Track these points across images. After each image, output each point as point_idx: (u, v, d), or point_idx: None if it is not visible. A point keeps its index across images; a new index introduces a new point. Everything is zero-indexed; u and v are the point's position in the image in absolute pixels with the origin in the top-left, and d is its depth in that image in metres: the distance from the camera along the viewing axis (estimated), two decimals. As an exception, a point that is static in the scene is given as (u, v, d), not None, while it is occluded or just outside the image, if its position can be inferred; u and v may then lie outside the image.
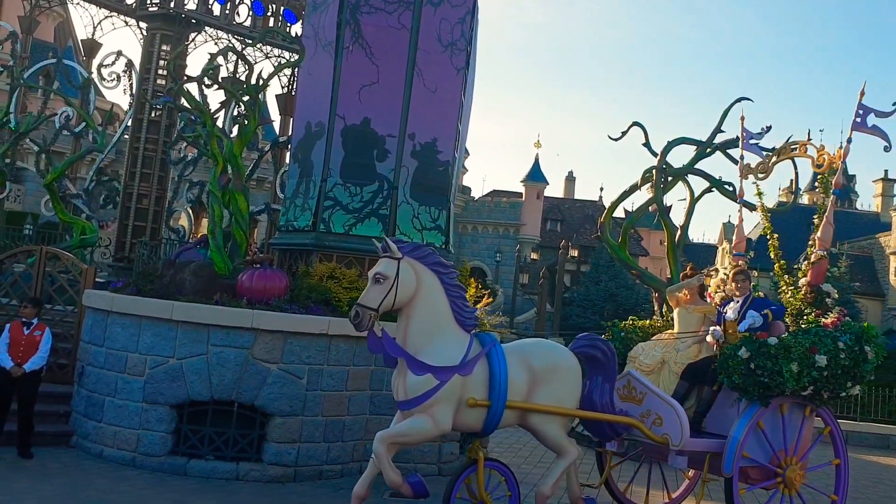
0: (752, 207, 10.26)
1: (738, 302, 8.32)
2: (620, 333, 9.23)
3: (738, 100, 11.21)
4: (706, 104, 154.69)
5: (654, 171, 11.87)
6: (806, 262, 8.83)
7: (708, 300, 8.92)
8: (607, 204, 12.92)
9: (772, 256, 9.48)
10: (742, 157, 10.05)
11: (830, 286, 8.55)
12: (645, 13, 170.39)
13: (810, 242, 8.95)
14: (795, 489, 8.04)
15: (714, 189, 11.72)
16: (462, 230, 53.21)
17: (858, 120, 8.83)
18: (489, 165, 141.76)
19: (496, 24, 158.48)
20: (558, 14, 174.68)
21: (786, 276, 9.16)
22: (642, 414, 7.93)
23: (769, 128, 10.19)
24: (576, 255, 48.51)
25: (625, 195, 12.36)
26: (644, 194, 12.43)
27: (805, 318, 8.45)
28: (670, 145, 12.07)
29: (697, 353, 8.34)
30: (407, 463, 9.31)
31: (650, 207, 12.24)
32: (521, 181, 56.40)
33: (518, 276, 49.51)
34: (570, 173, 71.81)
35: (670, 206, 13.00)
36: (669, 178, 11.93)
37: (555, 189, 66.38)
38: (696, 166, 11.82)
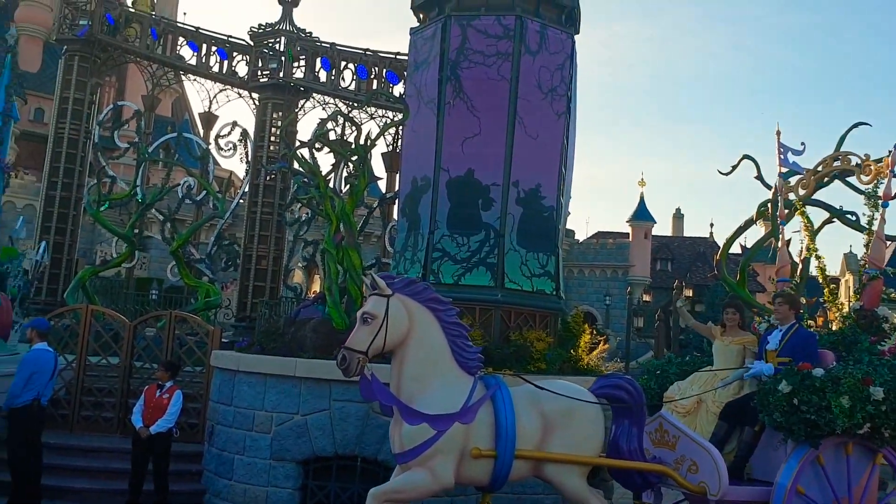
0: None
1: (781, 331, 7.49)
2: (656, 371, 8.45)
3: (856, 125, 10.74)
4: (818, 132, 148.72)
5: (769, 205, 11.48)
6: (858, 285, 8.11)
7: (751, 331, 8.10)
8: (719, 240, 12.59)
9: (819, 280, 8.87)
10: (780, 175, 9.42)
11: (887, 310, 7.71)
12: (746, 42, 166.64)
13: (862, 262, 8.25)
14: None
15: (835, 219, 11.21)
16: (568, 274, 52.66)
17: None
18: (591, 207, 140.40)
19: (593, 65, 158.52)
20: (655, 52, 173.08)
21: (837, 303, 8.47)
22: (676, 460, 7.15)
23: (803, 146, 9.42)
24: (690, 294, 47.07)
25: (740, 231, 11.97)
26: (759, 229, 12.04)
27: (859, 346, 7.52)
28: (784, 177, 11.67)
29: (738, 390, 7.51)
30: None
31: (766, 242, 11.81)
32: (627, 221, 55.55)
33: (631, 318, 48.43)
34: (678, 210, 70.18)
35: (789, 240, 12.51)
36: (786, 211, 11.50)
37: (662, 227, 64.99)
38: (814, 196, 11.35)
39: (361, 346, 6.21)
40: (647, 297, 49.36)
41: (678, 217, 69.30)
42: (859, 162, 8.51)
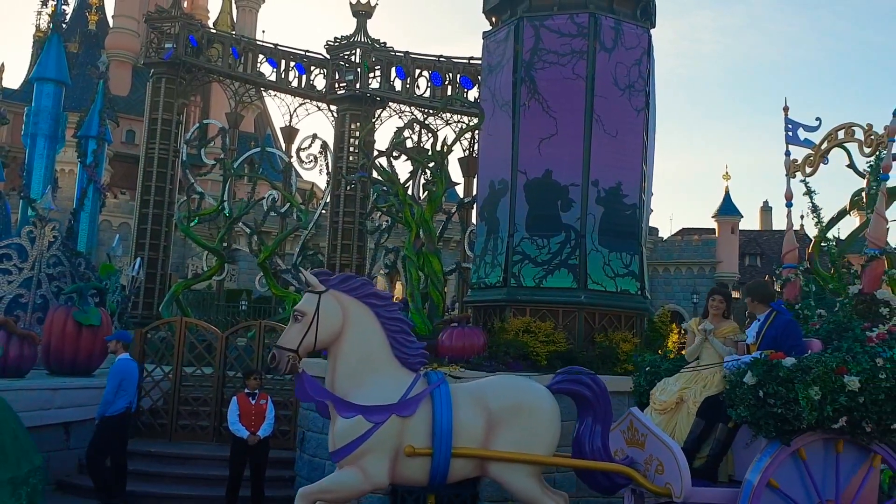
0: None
1: (759, 321, 6.84)
2: (646, 368, 7.85)
3: None
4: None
5: (863, 194, 11.00)
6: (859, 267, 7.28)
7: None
8: (809, 232, 12.11)
9: (829, 263, 8.16)
10: (788, 153, 8.71)
11: (889, 293, 6.86)
12: (828, 26, 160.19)
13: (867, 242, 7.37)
14: None
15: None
16: (653, 273, 51.62)
17: (791, 134, 7.66)
18: (675, 204, 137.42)
19: (669, 58, 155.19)
20: (732, 42, 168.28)
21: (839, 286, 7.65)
22: (646, 460, 6.63)
23: (819, 121, 8.54)
24: (779, 289, 45.46)
25: (833, 222, 11.51)
26: (853, 219, 11.55)
27: (850, 334, 6.70)
28: (878, 162, 11.17)
29: (716, 386, 6.87)
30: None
31: (861, 233, 11.32)
32: (713, 216, 54.03)
33: (718, 315, 47.05)
34: (766, 203, 67.91)
35: (886, 230, 11.93)
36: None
37: (750, 221, 62.98)
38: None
39: (291, 343, 6.06)
40: (736, 294, 47.94)
41: (766, 210, 67.06)
42: (862, 133, 7.75)
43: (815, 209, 8.55)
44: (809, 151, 8.45)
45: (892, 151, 7.19)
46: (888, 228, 7.33)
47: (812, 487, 6.17)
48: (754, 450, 6.36)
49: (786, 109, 8.68)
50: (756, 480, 6.08)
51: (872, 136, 7.42)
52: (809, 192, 8.45)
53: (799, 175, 8.54)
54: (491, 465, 6.26)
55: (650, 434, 6.58)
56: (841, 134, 7.91)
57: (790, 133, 8.59)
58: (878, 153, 7.30)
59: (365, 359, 6.17)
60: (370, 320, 6.25)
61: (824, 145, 8.32)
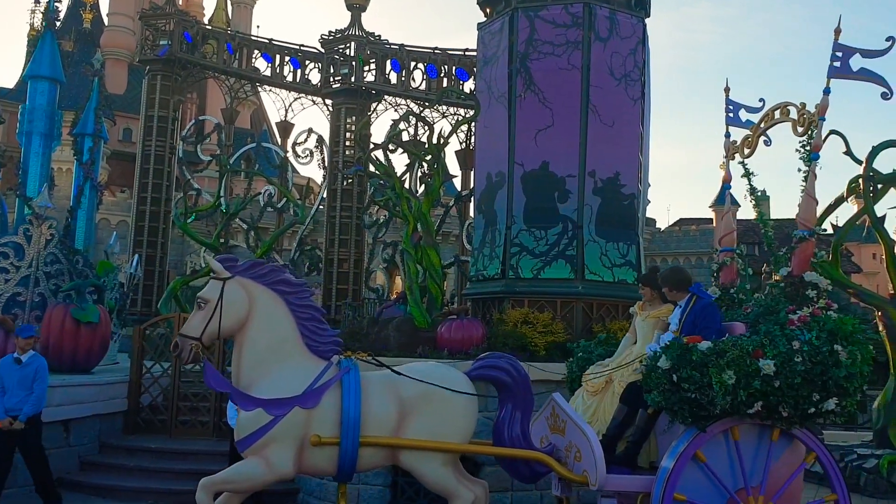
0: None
1: (680, 307, 6.62)
2: (579, 354, 7.72)
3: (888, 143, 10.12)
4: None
5: (860, 181, 11.00)
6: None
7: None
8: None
9: (766, 248, 7.90)
10: (728, 135, 8.46)
11: (816, 275, 6.59)
12: (824, 15, 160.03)
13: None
14: None
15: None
16: (650, 263, 51.66)
17: (838, 64, 6.97)
18: (671, 194, 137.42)
19: (665, 48, 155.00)
20: (729, 32, 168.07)
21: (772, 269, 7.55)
22: (567, 447, 6.42)
23: (762, 102, 8.25)
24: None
25: (831, 209, 11.50)
26: (851, 207, 11.56)
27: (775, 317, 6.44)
28: (876, 150, 11.15)
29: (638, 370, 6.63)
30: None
31: (859, 220, 11.33)
32: (710, 206, 54.13)
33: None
34: (763, 192, 68.07)
35: (884, 216, 11.91)
36: (879, 186, 11.00)
37: (748, 211, 62.95)
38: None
39: (194, 332, 5.89)
40: (734, 284, 47.92)
41: (763, 198, 67.21)
42: (796, 112, 7.45)
43: (752, 191, 8.31)
44: (748, 132, 8.21)
45: (823, 130, 7.06)
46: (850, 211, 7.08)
47: (739, 470, 5.96)
48: (673, 435, 6.21)
49: (727, 90, 8.48)
50: (671, 466, 5.88)
51: (805, 115, 7.16)
52: (747, 174, 8.15)
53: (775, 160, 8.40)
54: (402, 453, 6.11)
55: (569, 421, 6.41)
56: (778, 114, 7.63)
57: (731, 114, 8.37)
58: (809, 132, 7.12)
59: (272, 347, 5.99)
60: (278, 308, 6.06)
61: (763, 125, 8.05)
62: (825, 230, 7.35)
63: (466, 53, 18.66)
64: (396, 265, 16.67)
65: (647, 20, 12.18)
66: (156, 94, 21.12)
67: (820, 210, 10.12)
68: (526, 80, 11.52)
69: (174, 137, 21.29)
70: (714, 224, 53.17)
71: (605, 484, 6.03)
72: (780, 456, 6.03)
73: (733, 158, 8.32)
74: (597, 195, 11.45)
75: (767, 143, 8.01)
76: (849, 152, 11.47)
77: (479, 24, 12.74)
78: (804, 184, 6.86)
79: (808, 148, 6.98)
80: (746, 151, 8.12)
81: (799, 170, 6.87)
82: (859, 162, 11.29)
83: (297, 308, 6.10)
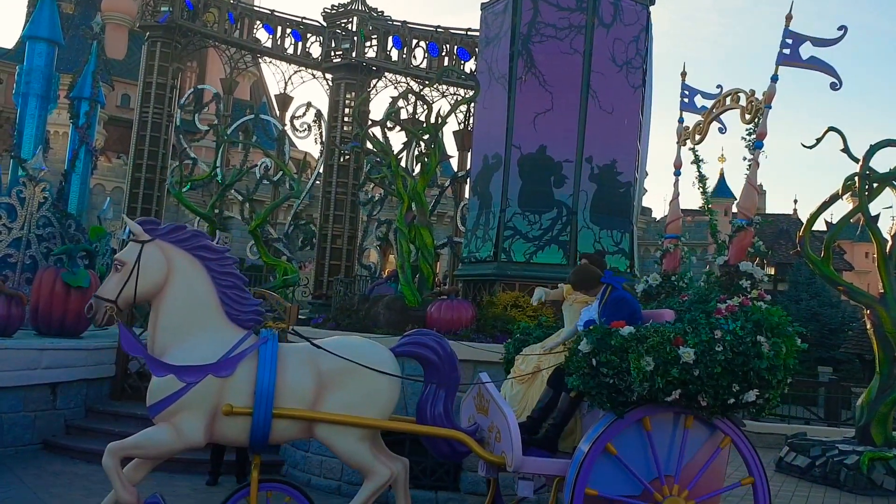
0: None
1: (598, 299, 6.61)
2: (516, 335, 7.64)
3: (886, 143, 10.11)
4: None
5: (856, 179, 11.03)
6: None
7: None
8: (803, 217, 12.14)
9: (711, 237, 7.75)
10: (681, 120, 8.35)
11: (751, 265, 6.49)
12: (828, 10, 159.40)
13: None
14: None
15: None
16: (645, 253, 51.59)
17: (787, 52, 6.82)
18: (669, 185, 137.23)
19: (669, 37, 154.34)
20: (731, 22, 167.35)
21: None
22: (490, 427, 6.39)
23: (719, 88, 8.00)
24: (772, 273, 45.68)
25: (825, 206, 11.56)
26: (845, 204, 11.58)
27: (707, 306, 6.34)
28: (873, 149, 11.20)
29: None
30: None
31: (853, 218, 11.37)
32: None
33: (709, 297, 47.25)
34: (760, 186, 68.09)
35: (878, 215, 11.98)
36: (875, 185, 11.02)
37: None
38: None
39: (110, 294, 5.83)
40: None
41: (760, 193, 67.27)
42: (745, 99, 7.27)
43: (701, 178, 8.13)
44: (699, 118, 8.09)
45: (768, 118, 6.85)
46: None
47: (653, 460, 5.90)
48: (593, 419, 6.19)
49: (683, 75, 8.40)
50: (586, 450, 5.84)
51: (753, 102, 7.00)
52: (697, 161, 7.97)
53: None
54: (318, 427, 6.02)
55: (492, 401, 6.35)
56: (729, 101, 7.47)
57: (686, 99, 8.26)
58: (756, 120, 6.90)
59: (189, 314, 5.91)
60: (198, 274, 5.98)
61: (715, 111, 7.90)
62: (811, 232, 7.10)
63: (469, 33, 18.52)
64: (390, 243, 16.65)
65: (651, 7, 12.12)
66: (155, 60, 20.91)
67: (810, 208, 10.08)
68: (527, 63, 11.47)
69: (172, 105, 21.11)
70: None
71: (522, 466, 5.99)
72: (696, 443, 6.00)
73: (684, 144, 8.20)
74: (593, 181, 11.45)
75: (722, 130, 7.83)
76: (846, 150, 11.52)
77: (482, 3, 12.67)
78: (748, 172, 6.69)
79: (753, 136, 6.69)
80: (697, 138, 7.98)
81: (745, 158, 6.64)
82: (856, 160, 11.34)
83: (217, 275, 6.01)
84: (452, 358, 6.46)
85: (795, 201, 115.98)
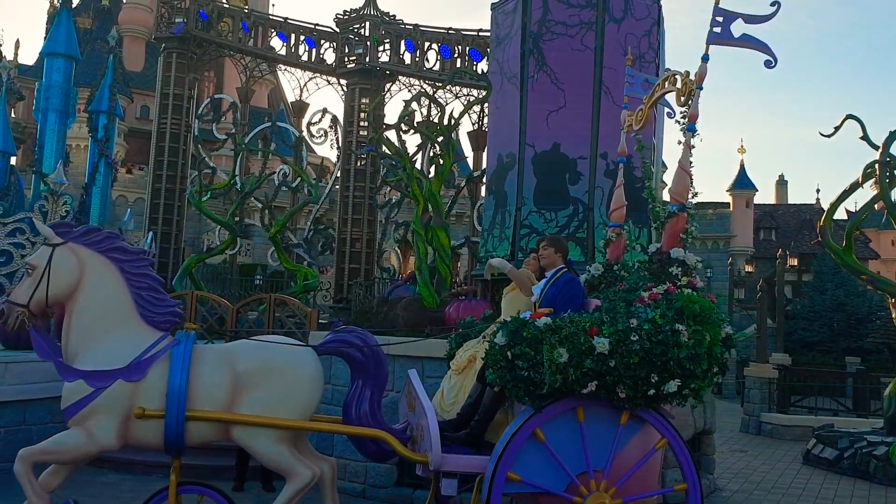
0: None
1: (546, 278, 6.43)
2: (460, 329, 7.47)
3: None
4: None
5: (876, 166, 10.92)
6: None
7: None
8: (826, 206, 12.03)
9: (652, 224, 7.24)
10: (626, 105, 8.08)
11: (682, 252, 6.20)
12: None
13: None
14: None
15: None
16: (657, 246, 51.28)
17: (718, 30, 6.50)
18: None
19: (684, 31, 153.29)
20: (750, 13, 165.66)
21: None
22: (417, 424, 6.20)
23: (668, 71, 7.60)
24: (795, 264, 45.24)
25: (846, 195, 11.46)
26: (868, 192, 11.46)
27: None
28: (893, 136, 11.07)
29: None
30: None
31: (876, 205, 11.25)
32: (728, 190, 53.67)
33: (732, 290, 46.98)
34: (781, 177, 67.35)
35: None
36: None
37: (765, 195, 62.53)
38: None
39: (21, 298, 5.80)
40: (749, 268, 47.72)
41: (781, 184, 66.56)
42: (680, 82, 6.85)
43: (646, 168, 7.92)
44: (643, 104, 7.79)
45: (699, 99, 6.50)
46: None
47: (583, 453, 5.65)
48: (516, 414, 5.98)
49: (629, 60, 8.18)
50: (503, 446, 5.63)
51: (686, 84, 6.62)
52: (641, 148, 7.67)
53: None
54: (234, 429, 5.88)
55: (417, 398, 6.16)
56: (668, 84, 7.07)
57: (629, 84, 8.02)
58: (689, 103, 6.56)
59: (102, 316, 5.86)
60: (111, 276, 5.92)
61: (655, 96, 7.51)
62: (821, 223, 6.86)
63: (480, 34, 18.56)
64: (409, 245, 16.72)
65: (662, 1, 12.06)
66: (171, 72, 21.16)
67: (828, 199, 9.99)
68: (539, 61, 11.45)
69: (190, 115, 21.35)
70: (732, 207, 52.87)
71: (442, 464, 5.80)
72: (629, 440, 5.73)
73: (628, 131, 7.94)
74: (608, 177, 11.37)
75: (671, 115, 7.48)
76: (865, 137, 11.41)
77: (492, 3, 12.66)
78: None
79: (682, 117, 6.37)
80: (638, 125, 7.70)
81: (679, 142, 6.19)
82: (876, 147, 11.23)
83: (131, 277, 5.96)
84: (378, 355, 6.35)
85: (818, 190, 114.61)
